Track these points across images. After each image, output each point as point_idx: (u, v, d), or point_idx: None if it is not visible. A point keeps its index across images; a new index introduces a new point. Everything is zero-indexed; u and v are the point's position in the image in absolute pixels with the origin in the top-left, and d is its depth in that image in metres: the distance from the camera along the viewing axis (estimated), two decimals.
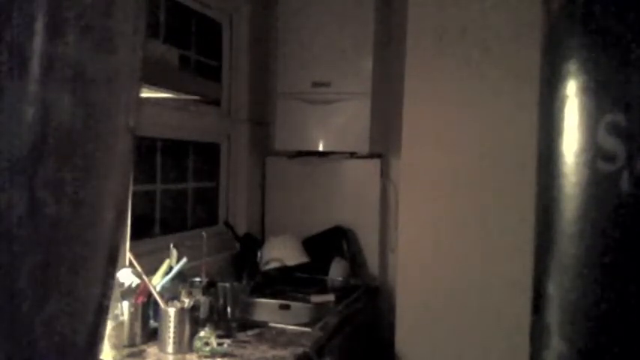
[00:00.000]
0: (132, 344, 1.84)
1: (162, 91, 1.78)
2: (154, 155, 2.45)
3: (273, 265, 2.73)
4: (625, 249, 0.80)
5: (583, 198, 0.82)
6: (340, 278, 2.75)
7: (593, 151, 0.80)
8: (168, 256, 1.99)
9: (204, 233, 2.27)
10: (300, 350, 1.88)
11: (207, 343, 1.78)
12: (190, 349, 1.81)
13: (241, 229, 2.93)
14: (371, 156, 2.92)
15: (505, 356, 2.28)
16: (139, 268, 1.85)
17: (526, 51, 2.06)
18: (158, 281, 1.92)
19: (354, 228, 2.97)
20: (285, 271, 2.72)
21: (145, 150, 2.39)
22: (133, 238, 2.01)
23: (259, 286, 2.59)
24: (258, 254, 2.78)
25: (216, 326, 1.92)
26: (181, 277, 1.99)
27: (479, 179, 2.50)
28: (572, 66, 0.83)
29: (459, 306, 2.52)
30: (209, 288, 2.06)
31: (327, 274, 2.77)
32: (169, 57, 1.76)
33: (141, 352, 1.81)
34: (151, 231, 2.43)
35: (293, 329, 2.08)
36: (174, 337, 1.81)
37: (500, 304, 2.41)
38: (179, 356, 1.80)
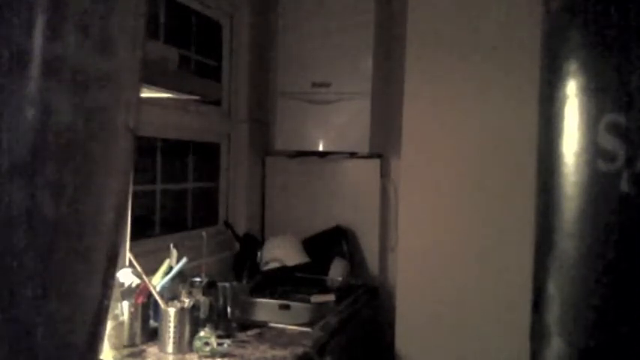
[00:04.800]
0: (132, 344, 1.84)
1: (162, 91, 1.78)
2: (154, 155, 2.45)
3: (273, 265, 2.73)
4: (625, 249, 0.80)
5: (583, 198, 0.82)
6: (340, 278, 2.75)
7: (593, 151, 0.80)
8: (169, 256, 1.99)
9: (204, 233, 2.27)
10: (300, 350, 1.88)
11: (207, 343, 1.78)
12: (190, 349, 1.81)
13: (241, 229, 2.93)
14: (371, 156, 2.92)
15: (505, 356, 2.28)
16: (139, 268, 1.85)
17: (526, 51, 2.06)
18: (158, 281, 1.92)
19: (354, 228, 2.97)
20: (285, 271, 2.72)
21: (145, 150, 2.39)
22: (133, 238, 2.01)
23: (259, 286, 2.59)
24: (258, 254, 2.78)
25: (216, 326, 1.92)
26: (181, 277, 1.99)
27: (479, 179, 2.50)
28: (572, 66, 0.83)
29: (459, 306, 2.52)
30: (209, 288, 2.06)
31: (327, 274, 2.77)
32: (169, 57, 1.76)
33: (141, 352, 1.81)
34: (151, 231, 2.43)
35: (293, 329, 2.08)
36: (174, 337, 1.81)
37: (500, 304, 2.41)
38: (179, 356, 1.80)
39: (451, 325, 2.52)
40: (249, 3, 2.96)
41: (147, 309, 1.89)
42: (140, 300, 1.86)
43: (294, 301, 2.48)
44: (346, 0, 2.79)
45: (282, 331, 2.07)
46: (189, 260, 2.01)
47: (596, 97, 0.81)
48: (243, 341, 1.93)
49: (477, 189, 2.50)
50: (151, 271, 1.92)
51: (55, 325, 0.68)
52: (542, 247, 0.91)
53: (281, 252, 2.75)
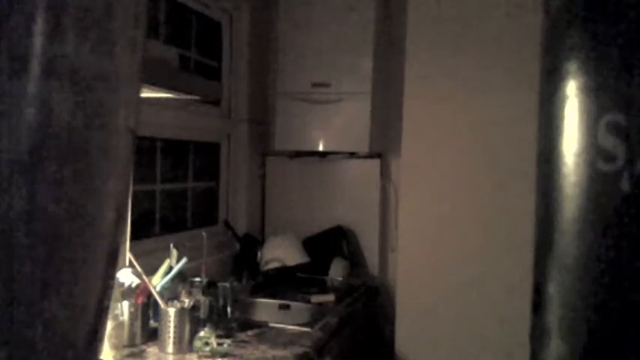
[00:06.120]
0: (132, 344, 1.84)
1: (162, 91, 1.78)
2: (154, 155, 2.45)
3: (273, 265, 2.73)
4: (625, 249, 0.80)
5: (583, 198, 0.82)
6: (340, 278, 2.75)
7: (593, 151, 0.80)
8: (169, 256, 1.99)
9: (204, 233, 2.27)
10: (300, 350, 1.87)
11: (207, 343, 1.78)
12: (190, 349, 1.81)
13: (241, 229, 2.93)
14: (371, 156, 2.92)
15: (505, 356, 2.28)
16: (139, 268, 1.85)
17: (526, 51, 2.06)
18: (158, 281, 1.92)
19: (354, 228, 2.97)
20: (285, 271, 2.72)
21: (145, 150, 2.39)
22: (133, 238, 2.01)
23: (259, 286, 2.59)
24: (258, 254, 2.78)
25: (216, 326, 1.92)
26: (181, 277, 1.99)
27: (479, 179, 2.50)
28: (572, 66, 0.83)
29: (459, 306, 2.52)
30: (209, 288, 2.06)
31: (327, 274, 2.77)
32: (169, 57, 1.76)
33: (141, 352, 1.81)
34: (151, 231, 2.43)
35: (293, 329, 2.08)
36: (174, 337, 1.81)
37: (500, 304, 2.41)
38: (179, 356, 1.80)
39: (451, 325, 2.52)
40: (249, 3, 2.96)
41: (147, 309, 1.89)
42: (140, 300, 1.86)
43: (294, 301, 2.48)
44: (346, 0, 2.79)
45: (282, 331, 2.07)
46: (189, 260, 2.01)
47: (596, 97, 0.81)
48: (243, 341, 1.93)
49: (476, 189, 2.50)
50: (150, 271, 1.92)
51: (55, 325, 0.68)
52: (542, 247, 0.91)
53: (281, 252, 2.75)
